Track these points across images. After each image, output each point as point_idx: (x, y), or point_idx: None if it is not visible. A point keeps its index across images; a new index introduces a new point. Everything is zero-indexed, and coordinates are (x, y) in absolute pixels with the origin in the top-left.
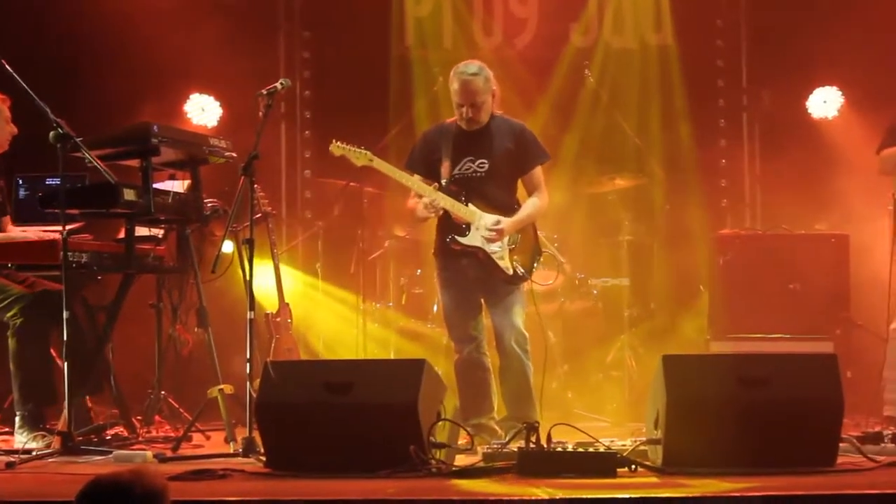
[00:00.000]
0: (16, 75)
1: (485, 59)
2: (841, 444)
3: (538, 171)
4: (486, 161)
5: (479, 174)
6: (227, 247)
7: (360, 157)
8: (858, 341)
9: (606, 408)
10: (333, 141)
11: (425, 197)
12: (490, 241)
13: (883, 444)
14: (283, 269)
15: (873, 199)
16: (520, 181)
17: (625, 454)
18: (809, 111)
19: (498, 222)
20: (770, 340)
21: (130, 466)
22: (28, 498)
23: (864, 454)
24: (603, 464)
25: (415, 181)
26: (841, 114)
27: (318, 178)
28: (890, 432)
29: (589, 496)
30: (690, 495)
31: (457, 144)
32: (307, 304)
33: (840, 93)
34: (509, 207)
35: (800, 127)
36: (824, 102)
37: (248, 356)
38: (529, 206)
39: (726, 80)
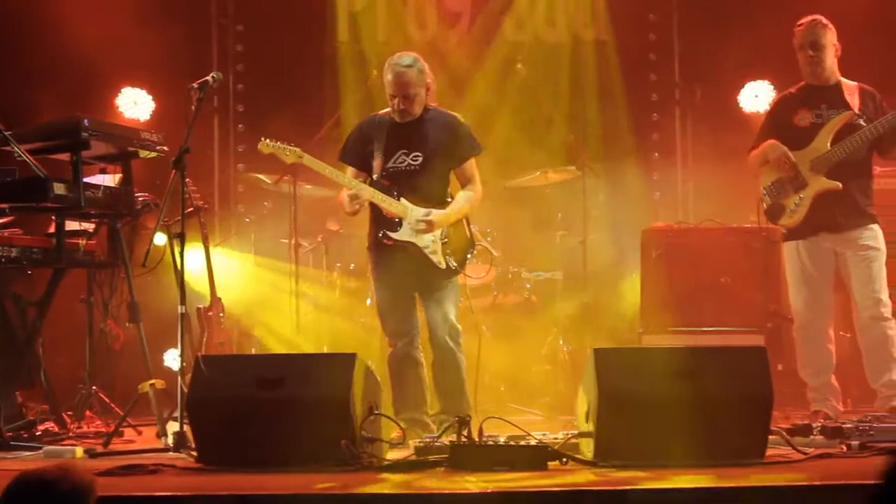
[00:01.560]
0: None
1: (419, 53)
2: (771, 437)
3: (471, 164)
4: (420, 154)
5: (412, 167)
6: (160, 239)
7: (289, 154)
8: (789, 335)
9: (539, 401)
10: (263, 139)
11: (349, 190)
12: (420, 233)
13: (812, 437)
14: (228, 258)
15: None
16: (453, 174)
17: (556, 447)
18: (741, 105)
19: (428, 213)
20: (701, 334)
21: (57, 462)
22: None
23: (793, 446)
24: (534, 457)
25: (344, 176)
26: None
27: (251, 172)
28: (818, 425)
29: (520, 489)
30: (621, 488)
31: (391, 137)
32: (249, 295)
33: (772, 87)
34: (442, 201)
35: (732, 121)
36: (756, 97)
37: (179, 350)
38: (461, 198)
39: (659, 74)
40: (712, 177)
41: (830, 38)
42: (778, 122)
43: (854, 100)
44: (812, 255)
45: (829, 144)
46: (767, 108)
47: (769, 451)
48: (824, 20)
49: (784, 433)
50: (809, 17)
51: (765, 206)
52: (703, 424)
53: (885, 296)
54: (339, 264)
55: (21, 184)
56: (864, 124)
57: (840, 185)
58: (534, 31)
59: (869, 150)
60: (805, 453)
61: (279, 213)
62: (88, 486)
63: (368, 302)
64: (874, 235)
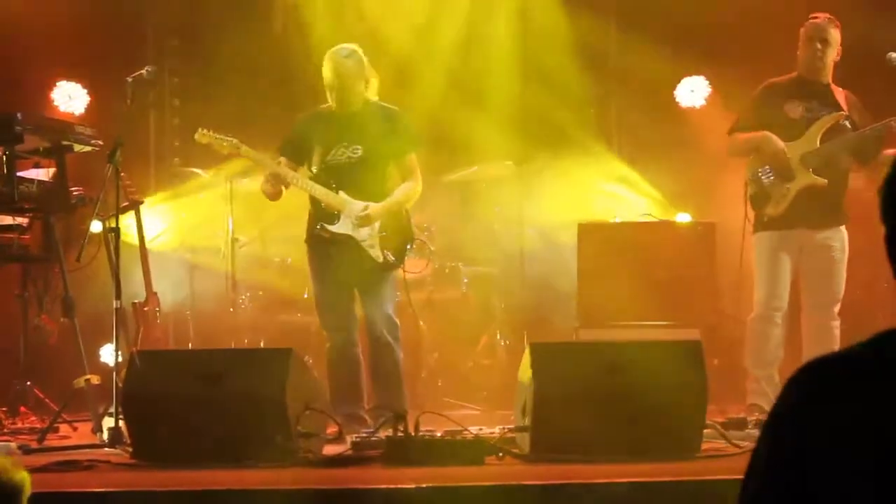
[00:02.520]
0: None
1: (359, 44)
2: (706, 431)
3: (412, 158)
4: (359, 147)
5: (351, 160)
6: (96, 227)
7: (226, 145)
8: (725, 330)
9: (476, 396)
10: (199, 129)
11: (267, 171)
12: (359, 227)
13: (747, 430)
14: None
15: (740, 187)
16: (393, 168)
17: (493, 442)
18: (677, 100)
19: (366, 208)
20: (638, 328)
21: None
22: None
23: (728, 440)
24: (471, 452)
25: (282, 167)
26: (708, 103)
27: (187, 166)
28: (753, 418)
29: (457, 484)
30: (557, 482)
31: (330, 130)
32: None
33: (707, 82)
34: (381, 194)
35: (667, 115)
36: (692, 91)
37: (114, 346)
38: (400, 191)
39: (596, 67)
40: (649, 171)
41: (837, 39)
42: (767, 109)
43: (843, 103)
44: (784, 248)
45: (818, 141)
46: (754, 92)
47: (704, 445)
48: (837, 21)
49: (719, 427)
50: (824, 14)
51: (751, 192)
52: (638, 418)
53: (840, 297)
54: (275, 259)
55: None
56: (850, 128)
57: (826, 182)
58: (469, 24)
59: (849, 154)
60: (740, 447)
61: (215, 207)
62: (20, 484)
63: (305, 296)
64: (843, 237)
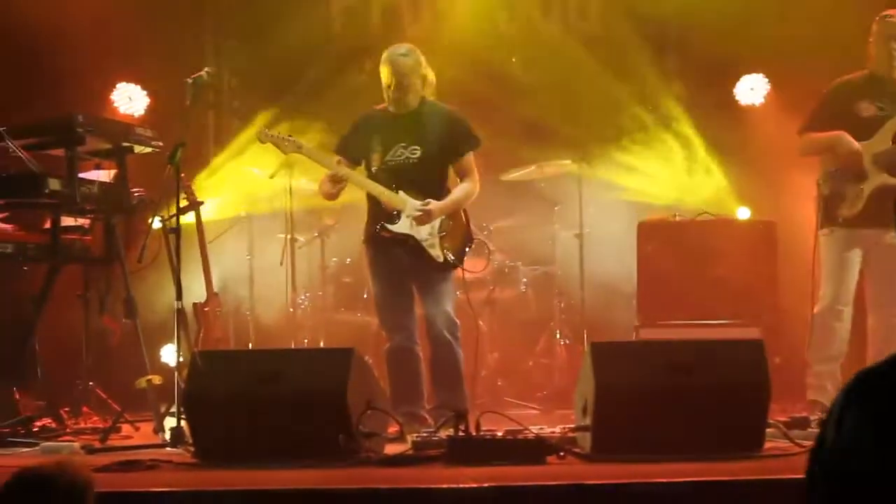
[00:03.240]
0: None
1: (414, 45)
2: (768, 430)
3: (469, 157)
4: (418, 147)
5: (411, 161)
6: (155, 224)
7: (288, 145)
8: (786, 327)
9: (536, 395)
10: (261, 129)
11: (330, 172)
12: (419, 222)
13: (809, 429)
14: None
15: (801, 185)
16: (451, 168)
17: (554, 441)
18: (737, 98)
19: (426, 203)
20: (698, 327)
21: (55, 458)
22: None
23: (790, 439)
24: (532, 451)
25: (343, 168)
26: (768, 100)
27: (246, 166)
28: (816, 417)
29: (518, 484)
30: (619, 481)
31: (389, 130)
32: (246, 290)
33: (766, 80)
34: (439, 194)
35: (727, 114)
36: (751, 89)
37: (176, 346)
38: (459, 190)
39: (654, 67)
40: (709, 170)
41: None
42: (838, 107)
43: None
44: (855, 246)
45: (891, 141)
46: (824, 91)
47: (767, 444)
48: None
49: (781, 426)
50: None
51: (824, 192)
52: (699, 418)
53: None
54: (335, 259)
55: (16, 180)
56: None
57: None
58: (528, 24)
59: None
60: (802, 446)
61: (274, 208)
62: (86, 483)
63: (365, 296)
64: None
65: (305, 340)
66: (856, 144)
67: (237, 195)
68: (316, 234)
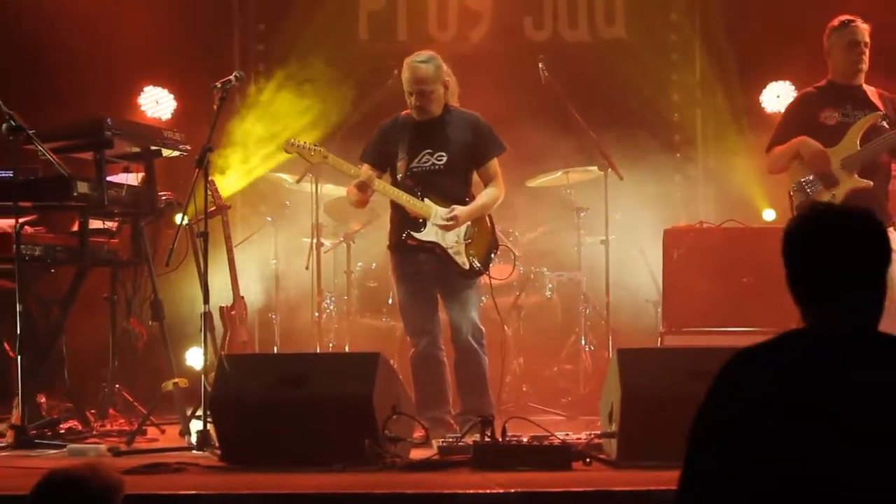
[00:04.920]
0: None
1: (439, 53)
2: None
3: (494, 163)
4: (444, 154)
5: (436, 167)
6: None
7: (314, 154)
8: None
9: (561, 401)
10: (288, 140)
11: (357, 179)
12: (446, 229)
13: None
14: (250, 257)
15: None
16: (476, 174)
17: (580, 447)
18: (763, 105)
19: (452, 209)
20: (724, 334)
21: (85, 460)
22: None
23: None
24: (558, 457)
25: (367, 175)
26: None
27: (273, 171)
28: None
29: (544, 490)
30: (646, 488)
31: (414, 137)
32: (271, 294)
33: (793, 87)
34: (464, 201)
35: (753, 121)
36: (777, 97)
37: (203, 350)
38: (484, 196)
39: (680, 74)
40: (734, 178)
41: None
42: (803, 119)
43: (877, 102)
44: None
45: (858, 144)
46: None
47: None
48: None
49: None
50: (852, 17)
51: (796, 202)
52: None
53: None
54: (360, 263)
55: (45, 182)
56: (888, 127)
57: (871, 184)
58: (554, 30)
59: (890, 152)
60: None
61: (300, 213)
62: (116, 485)
63: (390, 301)
64: (891, 238)
65: (330, 345)
66: (818, 144)
67: (263, 199)
68: (341, 239)
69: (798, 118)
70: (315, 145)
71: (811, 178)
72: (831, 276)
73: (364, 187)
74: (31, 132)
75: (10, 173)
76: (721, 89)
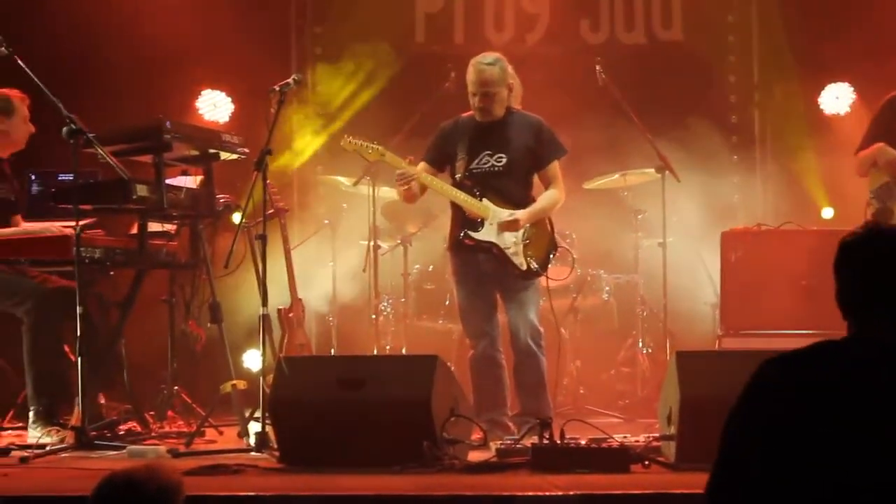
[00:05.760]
0: (29, 71)
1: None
2: None
3: (555, 166)
4: (503, 155)
5: (496, 169)
6: (235, 219)
7: (371, 152)
8: None
9: (618, 404)
10: (345, 136)
11: (398, 171)
12: (506, 232)
13: None
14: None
15: None
16: (536, 176)
17: (638, 450)
18: (822, 107)
19: (511, 215)
20: (782, 337)
21: (145, 462)
22: (43, 493)
23: None
24: (617, 460)
25: (427, 176)
26: (853, 110)
27: (330, 174)
28: None
29: (603, 492)
30: (703, 491)
31: (474, 138)
32: (329, 296)
33: (852, 89)
34: (524, 203)
35: (812, 123)
36: (836, 98)
37: (261, 352)
38: (545, 198)
39: (738, 75)
40: (792, 179)
41: None
42: (885, 125)
43: None
44: None
45: None
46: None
47: None
48: None
49: None
50: None
51: (872, 209)
52: None
53: None
54: (417, 266)
55: (104, 185)
56: None
57: None
58: (611, 32)
59: None
60: None
61: (357, 215)
62: (176, 486)
63: (447, 303)
64: None
65: (387, 347)
66: (892, 150)
67: (321, 202)
68: (398, 242)
69: (881, 124)
70: (372, 143)
71: (885, 184)
72: (877, 288)
73: (404, 179)
74: (90, 135)
75: (70, 176)
76: (779, 91)
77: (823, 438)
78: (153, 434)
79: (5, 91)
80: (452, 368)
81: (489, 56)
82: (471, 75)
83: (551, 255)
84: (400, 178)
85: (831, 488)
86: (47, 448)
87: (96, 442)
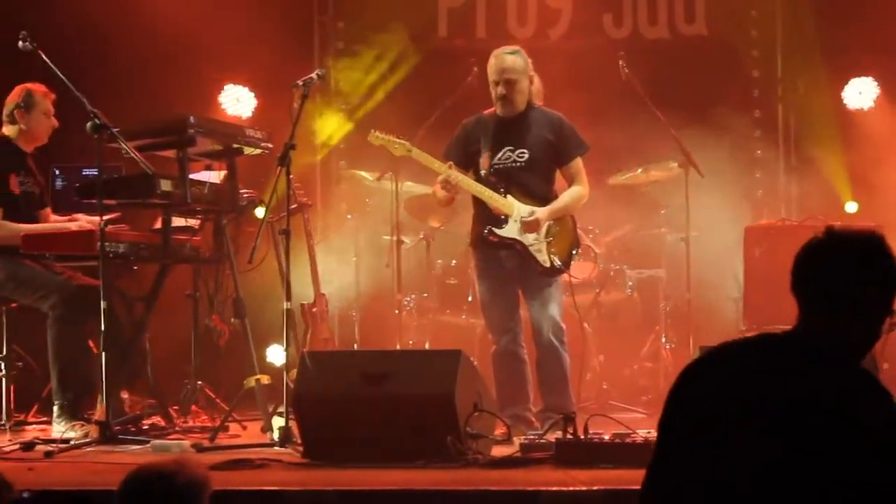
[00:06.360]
0: (53, 66)
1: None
2: None
3: (577, 162)
4: (526, 151)
5: (518, 164)
6: (260, 212)
7: (398, 147)
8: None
9: (641, 399)
10: (373, 131)
11: (441, 175)
12: (527, 231)
13: None
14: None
15: None
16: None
17: None
18: (845, 102)
19: (532, 213)
20: None
21: (173, 456)
22: (68, 487)
23: None
24: (641, 455)
25: (451, 170)
26: (877, 105)
27: (352, 168)
28: None
29: (627, 487)
30: None
31: (496, 134)
32: (351, 291)
33: (876, 83)
34: (547, 198)
35: (835, 118)
36: (860, 93)
37: (284, 346)
38: (567, 195)
39: (761, 70)
40: (816, 174)
41: None
42: None
43: None
44: None
45: None
46: None
47: None
48: None
49: None
50: None
51: None
52: None
53: None
54: (440, 261)
55: (128, 180)
56: None
57: None
58: (634, 27)
59: None
60: None
61: (380, 210)
62: (204, 481)
63: (470, 298)
64: None
65: (410, 342)
66: None
67: (344, 197)
68: (421, 237)
69: None
70: (399, 139)
71: None
72: (815, 290)
73: (449, 185)
74: (114, 130)
75: (94, 171)
76: (803, 86)
77: (712, 425)
78: (177, 429)
79: (28, 85)
80: (475, 363)
81: (511, 47)
82: (492, 65)
83: (574, 252)
84: (446, 185)
85: (716, 474)
86: (72, 442)
87: (120, 437)
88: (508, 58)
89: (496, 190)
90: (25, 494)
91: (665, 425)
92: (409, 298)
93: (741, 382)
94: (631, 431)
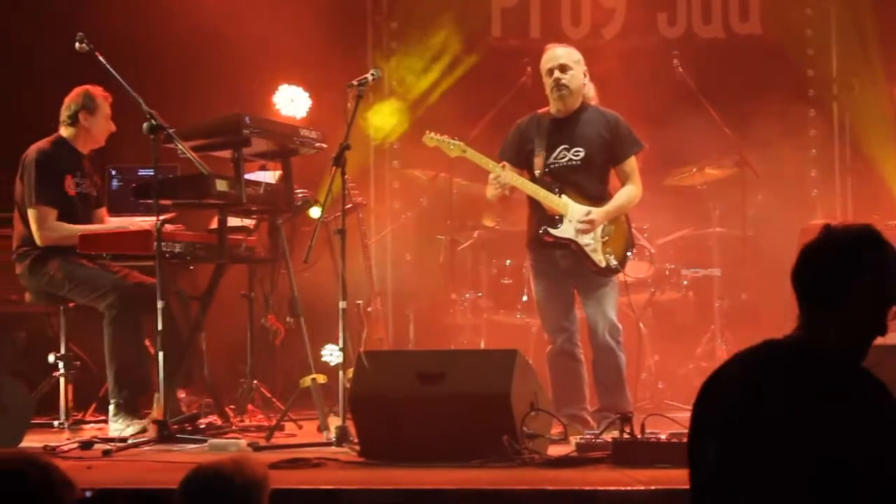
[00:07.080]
0: (109, 67)
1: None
2: None
3: (632, 161)
4: (581, 150)
5: (573, 163)
6: (315, 212)
7: (453, 148)
8: None
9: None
10: (427, 132)
11: (492, 175)
12: (582, 232)
13: None
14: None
15: None
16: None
17: None
18: None
19: (588, 213)
20: None
21: (232, 455)
22: (127, 485)
23: None
24: None
25: (506, 171)
26: None
27: (406, 168)
28: None
29: (685, 487)
30: None
31: (551, 133)
32: (407, 291)
33: None
34: (602, 198)
35: (891, 116)
36: None
37: (340, 346)
38: (622, 195)
39: (816, 69)
40: (872, 174)
41: None
42: None
43: None
44: None
45: None
46: None
47: None
48: None
49: None
50: None
51: None
52: None
53: None
54: (494, 260)
55: (185, 181)
56: None
57: None
58: (688, 26)
59: None
60: None
61: (435, 210)
62: (262, 480)
63: (524, 298)
64: None
65: (465, 342)
66: None
67: (398, 197)
68: (476, 236)
69: None
70: (454, 139)
71: None
72: (812, 288)
73: (502, 185)
74: (170, 131)
75: (150, 171)
76: (858, 85)
77: (725, 431)
78: (234, 428)
79: (89, 88)
80: (531, 363)
81: (564, 45)
82: (545, 57)
83: (629, 253)
84: (498, 185)
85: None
86: (129, 441)
87: (177, 436)
88: (561, 48)
89: (551, 190)
90: (88, 493)
91: (691, 450)
92: (463, 298)
93: (748, 399)
94: (687, 431)
